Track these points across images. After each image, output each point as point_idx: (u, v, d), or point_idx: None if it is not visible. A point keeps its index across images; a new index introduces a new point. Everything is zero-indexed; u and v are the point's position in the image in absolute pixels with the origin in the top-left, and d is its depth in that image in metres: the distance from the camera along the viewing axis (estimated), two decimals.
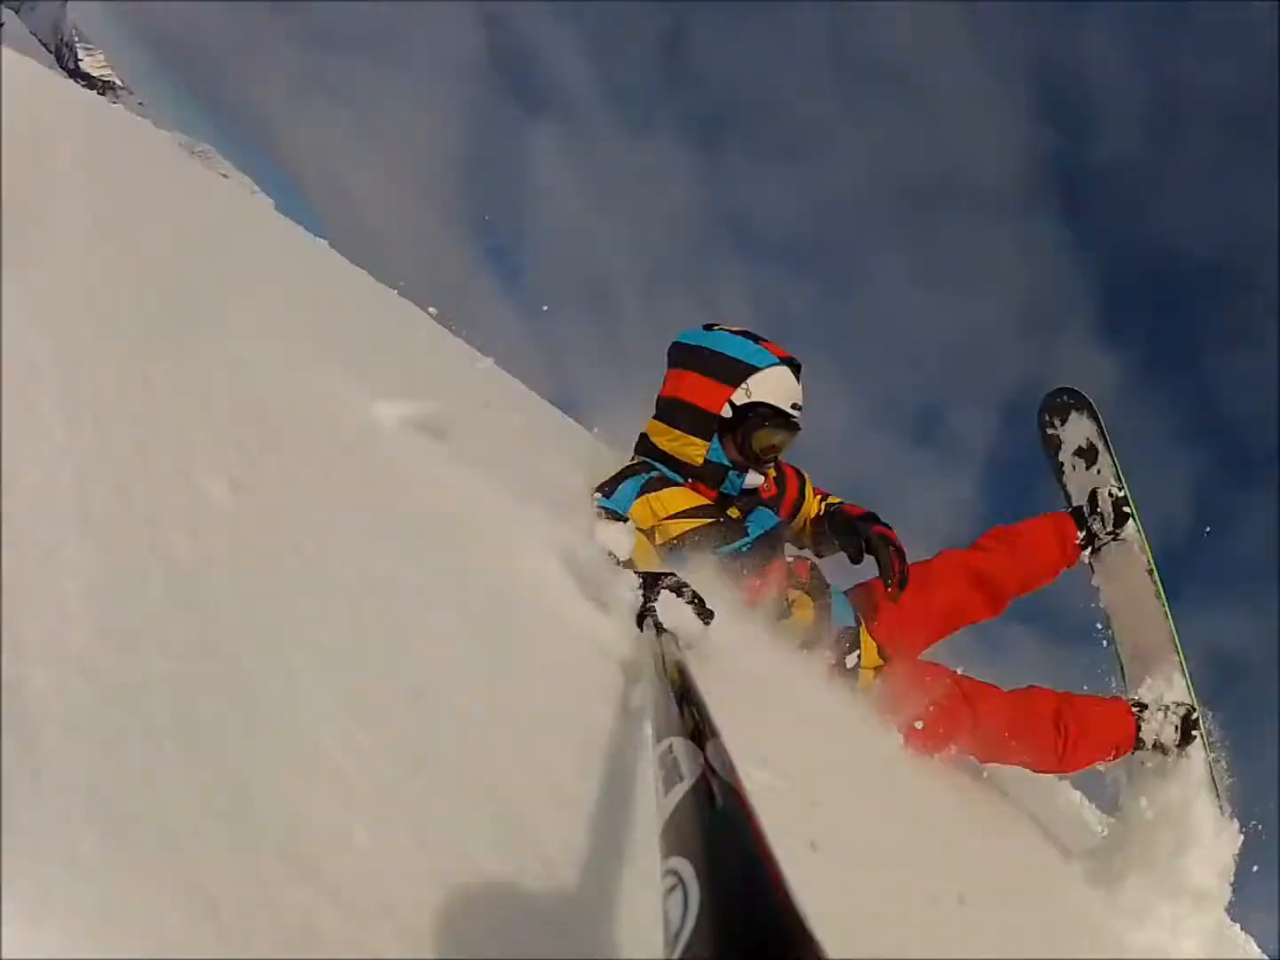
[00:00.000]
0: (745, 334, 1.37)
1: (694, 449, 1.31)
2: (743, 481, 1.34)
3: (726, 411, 1.29)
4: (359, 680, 0.61)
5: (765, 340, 1.35)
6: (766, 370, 1.31)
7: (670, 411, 1.36)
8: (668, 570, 0.94)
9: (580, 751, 0.70)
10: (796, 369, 1.34)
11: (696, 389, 1.31)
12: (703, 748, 0.41)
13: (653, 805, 0.41)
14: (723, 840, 0.36)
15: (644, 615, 0.84)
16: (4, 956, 0.58)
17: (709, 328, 1.41)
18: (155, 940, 0.36)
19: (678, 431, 1.32)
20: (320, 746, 0.51)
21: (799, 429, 1.33)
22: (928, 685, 1.36)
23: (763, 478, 1.36)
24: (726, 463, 1.32)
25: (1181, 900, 1.52)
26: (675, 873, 0.35)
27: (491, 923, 0.48)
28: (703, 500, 1.32)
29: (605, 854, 0.59)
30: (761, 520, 1.36)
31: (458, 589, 0.85)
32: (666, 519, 1.24)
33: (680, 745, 0.42)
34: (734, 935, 0.31)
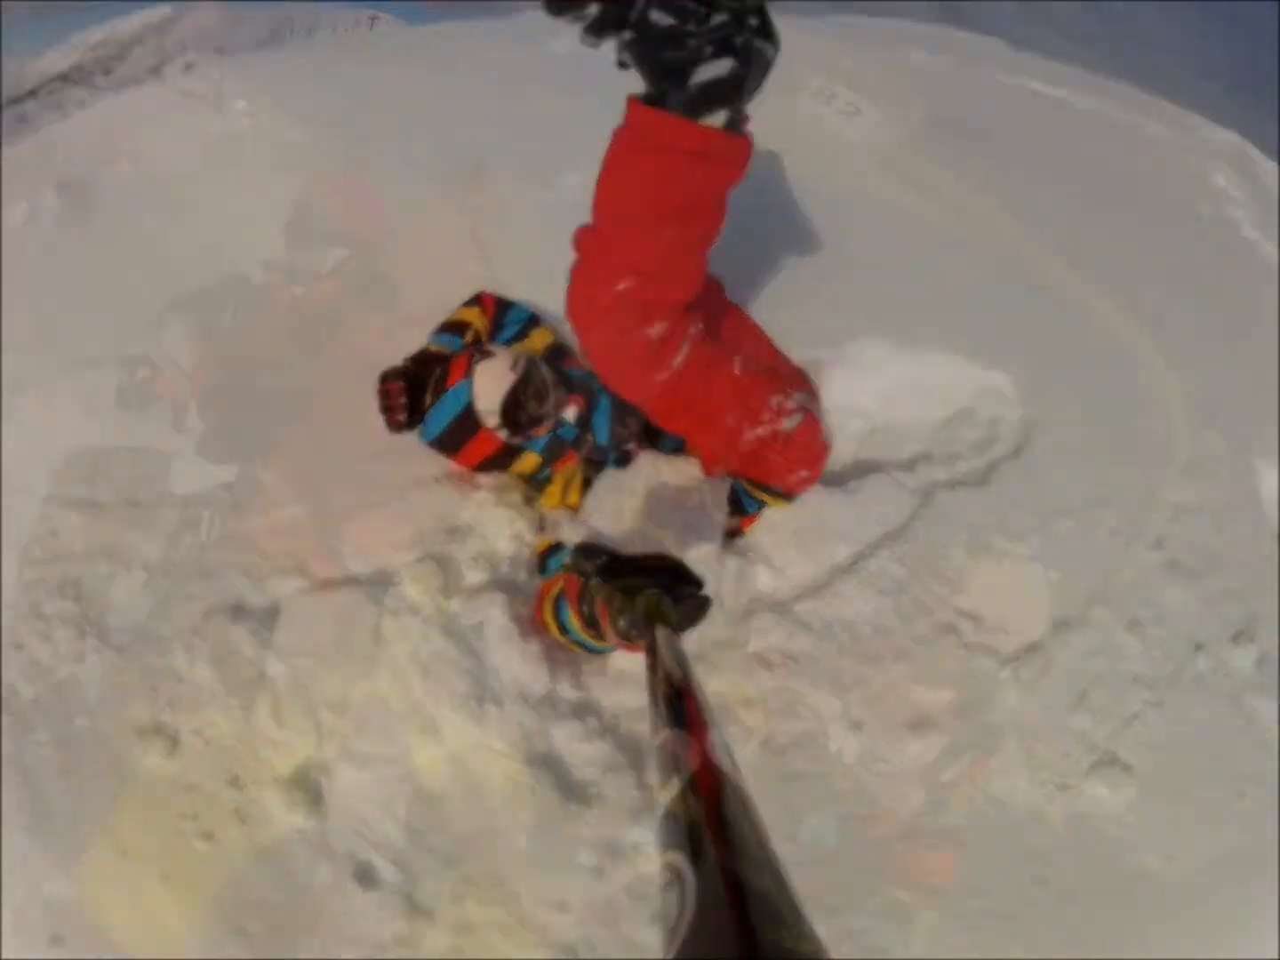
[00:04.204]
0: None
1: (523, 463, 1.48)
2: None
3: (503, 436, 1.41)
4: None
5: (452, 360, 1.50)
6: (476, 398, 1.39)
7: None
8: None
9: None
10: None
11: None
12: (700, 740, 0.42)
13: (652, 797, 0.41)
14: (719, 834, 0.36)
15: (637, 611, 0.80)
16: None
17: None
18: None
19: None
20: None
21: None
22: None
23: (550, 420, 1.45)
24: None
25: None
26: (673, 867, 0.35)
27: None
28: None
29: None
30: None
31: None
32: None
33: (677, 738, 0.43)
34: (731, 933, 0.31)
